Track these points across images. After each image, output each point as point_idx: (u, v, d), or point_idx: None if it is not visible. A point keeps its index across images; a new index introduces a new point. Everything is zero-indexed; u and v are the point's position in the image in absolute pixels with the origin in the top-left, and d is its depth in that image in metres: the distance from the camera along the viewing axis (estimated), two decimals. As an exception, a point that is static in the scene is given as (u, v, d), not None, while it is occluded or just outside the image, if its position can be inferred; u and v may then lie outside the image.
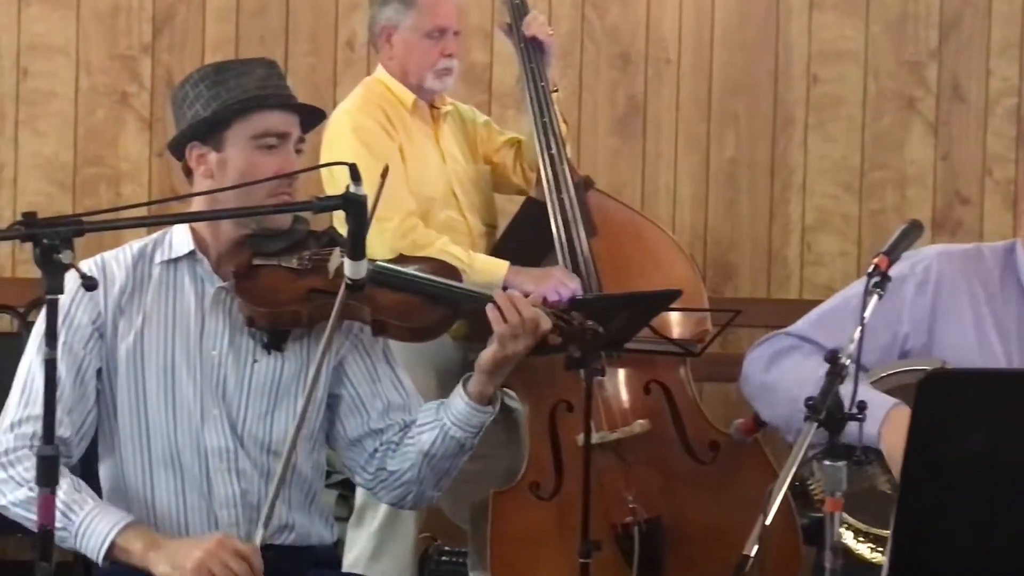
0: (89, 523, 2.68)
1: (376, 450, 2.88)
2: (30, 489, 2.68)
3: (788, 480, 2.37)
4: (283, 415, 2.83)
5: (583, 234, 4.03)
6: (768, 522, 2.32)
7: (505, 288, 3.84)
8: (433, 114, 4.19)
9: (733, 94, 5.17)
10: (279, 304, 2.79)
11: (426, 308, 2.86)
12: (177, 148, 2.88)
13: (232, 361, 2.82)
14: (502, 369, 2.82)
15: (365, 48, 5.07)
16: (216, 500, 2.81)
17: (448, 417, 2.83)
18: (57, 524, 2.48)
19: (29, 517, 2.68)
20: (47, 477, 2.30)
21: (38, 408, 2.65)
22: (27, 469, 2.69)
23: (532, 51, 4.17)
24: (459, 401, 2.83)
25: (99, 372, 2.80)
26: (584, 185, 4.12)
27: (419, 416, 2.87)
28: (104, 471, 2.86)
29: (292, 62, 5.11)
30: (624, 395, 3.90)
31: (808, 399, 2.46)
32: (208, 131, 2.82)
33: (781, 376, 3.03)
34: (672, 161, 5.18)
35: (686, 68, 5.17)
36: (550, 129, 4.11)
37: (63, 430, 2.72)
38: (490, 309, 2.81)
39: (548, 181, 4.07)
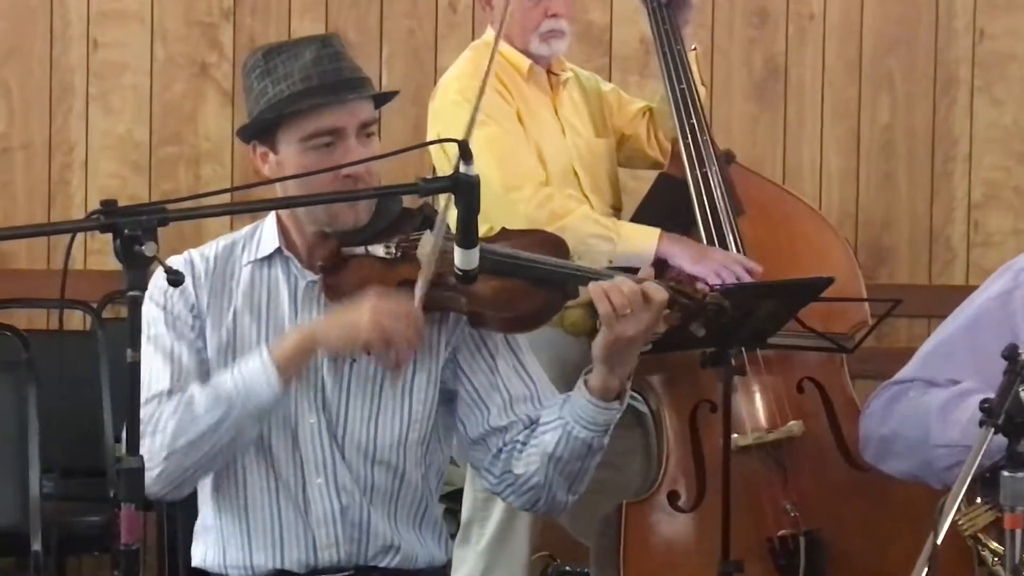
0: (240, 377, 2.74)
1: (501, 450, 2.88)
2: (171, 417, 2.73)
3: (961, 494, 2.34)
4: (388, 419, 2.84)
5: (731, 215, 4.01)
6: (939, 541, 2.29)
7: (658, 260, 3.87)
8: (551, 81, 4.17)
9: (887, 53, 5.11)
10: None
11: (528, 293, 2.83)
12: (246, 140, 2.92)
13: (328, 362, 2.84)
14: (620, 358, 2.78)
15: (470, 9, 5.09)
16: (313, 517, 2.83)
17: (570, 415, 2.82)
18: (216, 412, 2.69)
19: (186, 441, 2.72)
20: (132, 492, 2.34)
21: (158, 386, 2.76)
22: (158, 420, 2.74)
23: (665, 9, 4.15)
24: (580, 397, 2.81)
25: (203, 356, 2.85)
26: (726, 159, 4.10)
27: (543, 414, 2.87)
28: (200, 487, 2.89)
29: (388, 26, 5.14)
30: (775, 393, 3.89)
31: (983, 401, 2.44)
32: (262, 132, 2.85)
33: (900, 423, 3.03)
34: (818, 131, 5.14)
35: (832, 24, 5.12)
36: (688, 96, 4.09)
37: (195, 386, 2.78)
38: (593, 288, 2.77)
39: (689, 155, 4.05)
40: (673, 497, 3.83)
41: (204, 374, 2.82)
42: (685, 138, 4.07)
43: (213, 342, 2.86)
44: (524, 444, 2.86)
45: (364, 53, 5.00)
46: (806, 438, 3.85)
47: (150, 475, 2.71)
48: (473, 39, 4.85)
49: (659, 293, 2.76)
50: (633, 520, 3.81)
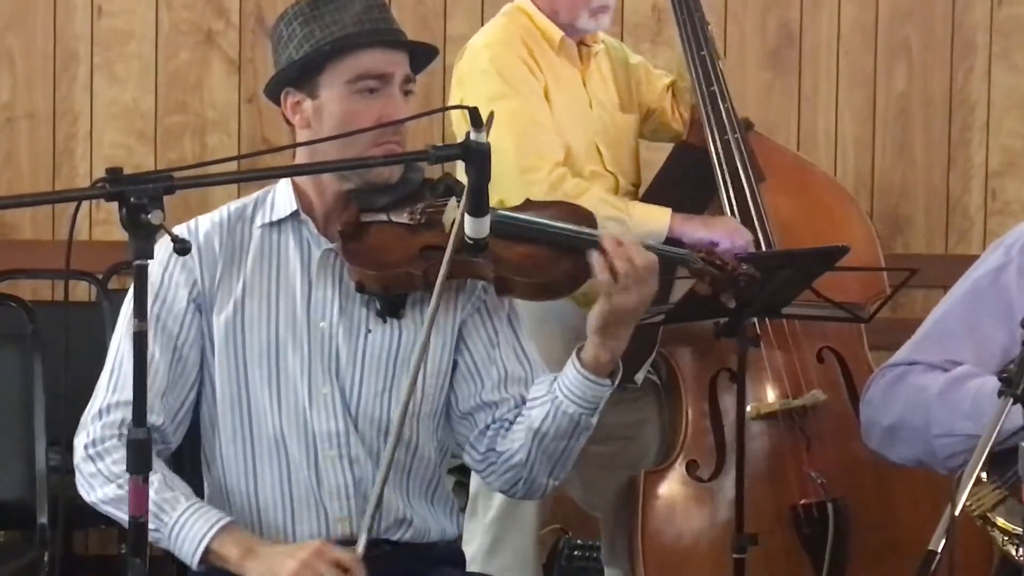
0: (183, 525, 2.72)
1: (488, 426, 2.87)
2: (119, 487, 2.72)
3: (978, 467, 2.34)
4: (402, 392, 2.81)
5: (754, 183, 3.99)
6: (957, 513, 2.29)
7: (670, 239, 3.86)
8: (582, 53, 4.13)
9: (903, 18, 5.09)
10: (390, 265, 2.79)
11: (555, 260, 2.82)
12: (273, 94, 2.89)
13: (343, 332, 2.82)
14: (615, 330, 2.76)
15: (481, -25, 5.07)
16: (325, 490, 2.82)
17: (560, 389, 2.80)
18: (150, 525, 2.52)
19: (119, 516, 2.72)
20: (138, 463, 2.33)
21: (127, 393, 2.68)
22: (115, 462, 2.74)
23: None
24: (571, 370, 2.79)
25: (203, 341, 2.83)
26: (745, 126, 4.09)
27: (531, 390, 2.86)
28: (205, 461, 2.89)
29: (396, -8, 5.12)
30: (796, 362, 3.89)
31: (1001, 372, 2.43)
32: (301, 76, 2.82)
33: (902, 411, 3.02)
34: (833, 98, 5.12)
35: (848, -11, 5.10)
36: (708, 63, 4.08)
37: (155, 417, 2.75)
38: (593, 255, 2.76)
39: (710, 122, 4.03)
40: (692, 466, 3.84)
41: (175, 379, 2.80)
42: (705, 105, 4.05)
43: (221, 319, 2.83)
44: (511, 423, 2.85)
45: (372, 20, 4.97)
46: (827, 407, 3.86)
47: (84, 490, 2.78)
48: (483, 7, 4.84)
49: (650, 258, 2.74)
50: (651, 489, 3.82)
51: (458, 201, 2.74)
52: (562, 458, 2.85)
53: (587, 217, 2.93)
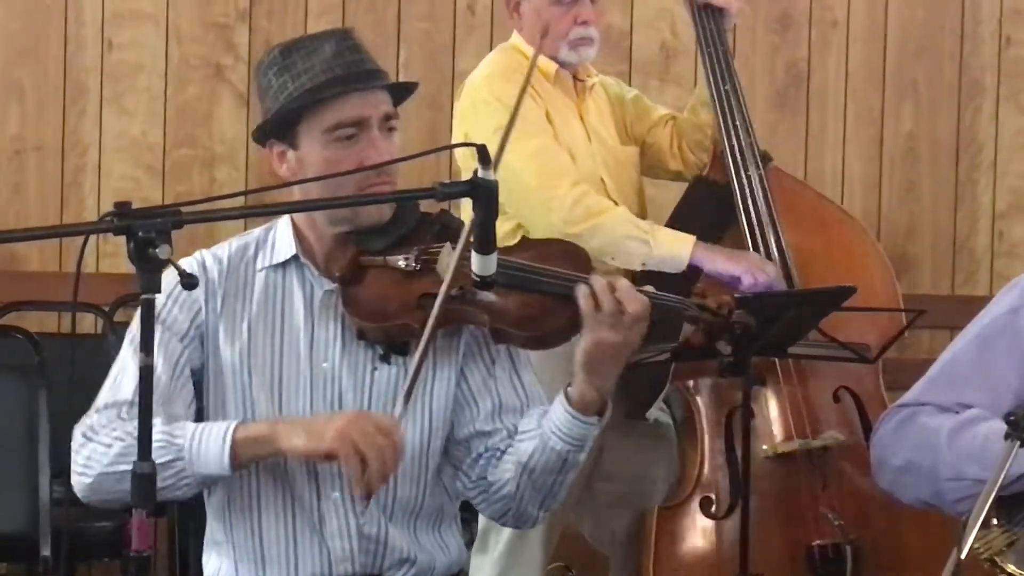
0: (200, 436, 2.68)
1: (481, 455, 2.86)
2: (120, 447, 2.69)
3: (985, 510, 2.33)
4: (410, 429, 2.82)
5: (776, 220, 4.00)
6: (963, 555, 2.28)
7: (691, 267, 3.86)
8: (577, 87, 4.16)
9: (911, 59, 5.10)
10: (388, 316, 2.78)
11: (551, 311, 2.80)
12: (260, 143, 2.90)
13: (347, 372, 2.82)
14: (601, 367, 2.74)
15: (488, 12, 5.08)
16: (328, 530, 2.81)
17: (548, 425, 2.79)
18: (163, 457, 2.59)
19: (123, 468, 2.64)
20: (143, 497, 2.33)
21: (125, 394, 2.72)
22: (111, 431, 2.72)
23: (709, 11, 4.16)
24: (559, 407, 2.78)
25: (199, 372, 2.82)
26: (764, 160, 4.09)
27: (522, 422, 2.85)
28: (210, 496, 2.87)
29: (406, 28, 5.13)
30: (813, 402, 3.89)
31: (1009, 415, 2.42)
32: (281, 128, 2.82)
33: (911, 453, 3.00)
34: (840, 138, 5.13)
35: (856, 30, 5.11)
36: (733, 98, 4.09)
37: (157, 421, 2.71)
38: (581, 290, 2.74)
39: (734, 157, 4.04)
40: (705, 504, 3.84)
41: (177, 391, 2.79)
42: (730, 139, 4.07)
43: (229, 357, 2.83)
44: (503, 453, 2.84)
45: (381, 55, 4.91)
46: (844, 447, 3.86)
47: (81, 480, 2.74)
48: (492, 41, 4.85)
49: (641, 302, 2.72)
50: (664, 525, 3.82)
51: (452, 245, 2.75)
52: (552, 491, 2.84)
53: (582, 257, 2.91)
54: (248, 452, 2.69)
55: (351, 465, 2.62)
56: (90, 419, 2.77)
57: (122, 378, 2.78)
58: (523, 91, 2.87)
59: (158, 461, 2.46)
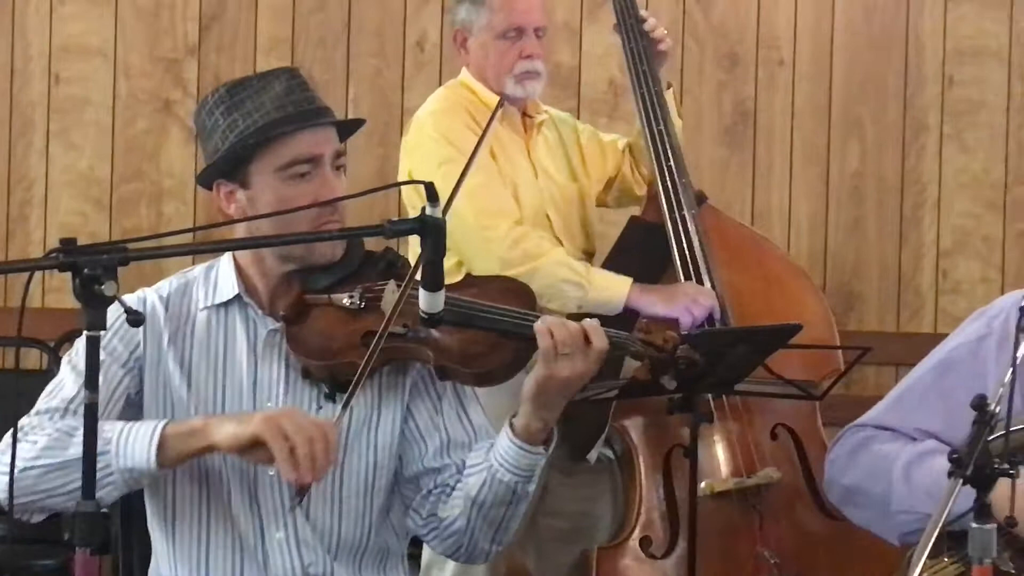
0: (128, 430, 2.65)
1: (431, 492, 2.86)
2: (48, 435, 2.65)
3: (929, 546, 2.34)
4: (354, 469, 2.82)
5: (710, 260, 4.01)
6: (911, 589, 2.29)
7: (627, 309, 3.87)
8: (525, 123, 4.18)
9: (856, 98, 5.13)
10: (333, 354, 2.78)
11: (495, 348, 2.81)
12: (206, 184, 2.88)
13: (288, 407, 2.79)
14: (549, 399, 2.74)
15: (437, 48, 5.10)
16: (272, 571, 2.80)
17: (495, 458, 2.78)
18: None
19: (47, 463, 2.63)
20: (89, 536, 2.31)
21: (55, 402, 2.71)
22: (40, 431, 2.67)
23: (645, 52, 4.17)
24: (504, 439, 2.78)
25: (135, 400, 2.80)
26: (698, 199, 4.11)
27: (469, 457, 2.84)
28: (156, 532, 2.86)
29: (355, 64, 5.14)
30: (750, 439, 3.90)
31: (952, 452, 2.44)
32: (231, 167, 2.81)
33: (863, 477, 3.02)
34: (787, 175, 5.15)
35: (802, 69, 5.14)
36: (666, 138, 4.11)
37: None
38: (537, 324, 2.73)
39: (668, 198, 4.06)
40: (645, 543, 3.84)
41: (111, 411, 2.76)
42: (664, 181, 4.09)
43: (169, 396, 2.80)
44: (452, 489, 2.84)
45: (331, 92, 5.00)
46: (781, 484, 3.87)
47: (3, 480, 2.65)
48: (441, 78, 4.87)
49: (601, 339, 2.73)
50: (605, 566, 3.82)
51: (397, 284, 2.75)
52: (503, 524, 2.84)
53: (527, 294, 2.92)
54: (177, 446, 2.65)
55: (277, 446, 2.57)
56: (23, 421, 2.73)
57: (57, 390, 2.77)
58: (480, 141, 2.89)
59: (80, 456, 2.39)
